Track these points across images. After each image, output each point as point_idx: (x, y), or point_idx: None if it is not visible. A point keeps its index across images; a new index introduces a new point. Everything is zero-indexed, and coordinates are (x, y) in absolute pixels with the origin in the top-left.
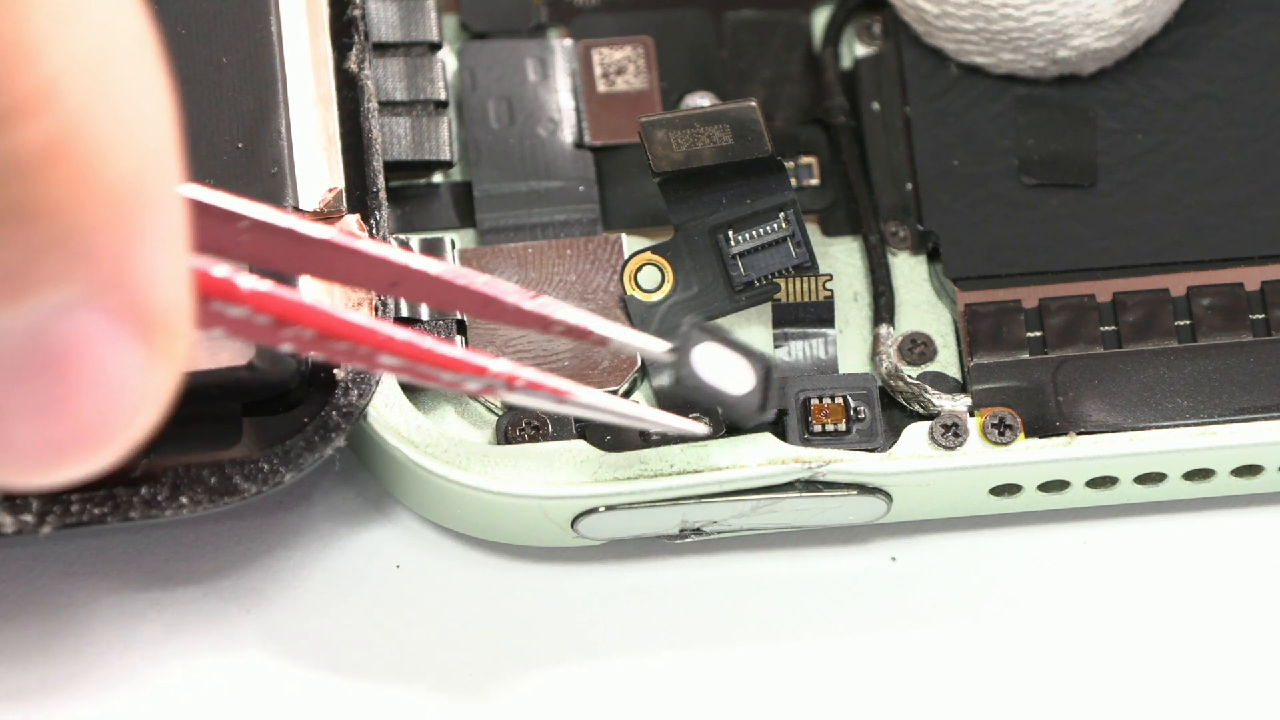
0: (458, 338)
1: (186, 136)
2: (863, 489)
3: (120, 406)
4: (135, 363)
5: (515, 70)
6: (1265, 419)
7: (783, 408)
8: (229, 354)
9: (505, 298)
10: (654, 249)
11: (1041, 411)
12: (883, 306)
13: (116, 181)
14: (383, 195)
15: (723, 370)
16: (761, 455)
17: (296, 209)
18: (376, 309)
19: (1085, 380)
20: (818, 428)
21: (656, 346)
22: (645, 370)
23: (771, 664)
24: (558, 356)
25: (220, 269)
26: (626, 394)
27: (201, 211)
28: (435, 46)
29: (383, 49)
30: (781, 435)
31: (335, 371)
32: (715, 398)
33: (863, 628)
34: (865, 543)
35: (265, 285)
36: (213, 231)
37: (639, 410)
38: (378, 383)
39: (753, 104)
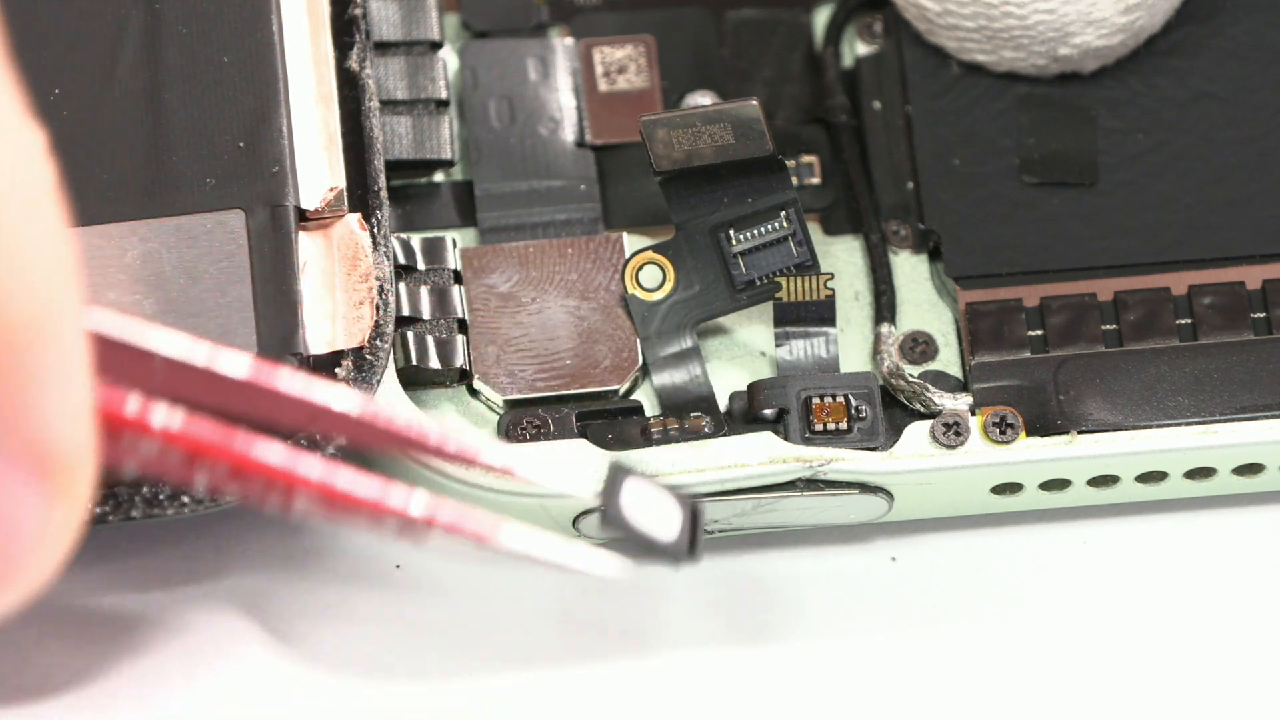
0: (460, 337)
1: (189, 135)
2: (864, 488)
3: (19, 549)
4: (34, 506)
5: (516, 69)
6: (1266, 418)
7: (784, 406)
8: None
9: (428, 437)
10: (655, 248)
11: (1043, 410)
12: (884, 305)
13: (13, 326)
14: (384, 194)
15: (650, 512)
16: (763, 454)
17: (298, 208)
18: (378, 308)
19: (1086, 379)
20: (819, 426)
21: (581, 489)
22: (647, 369)
23: (772, 663)
24: (559, 356)
25: (132, 404)
26: (628, 393)
27: (116, 345)
28: (436, 45)
29: (384, 48)
30: (783, 434)
31: (337, 371)
32: (642, 542)
33: (864, 626)
34: (866, 541)
35: (178, 420)
36: (128, 364)
37: (563, 553)
38: (379, 381)
39: (754, 103)
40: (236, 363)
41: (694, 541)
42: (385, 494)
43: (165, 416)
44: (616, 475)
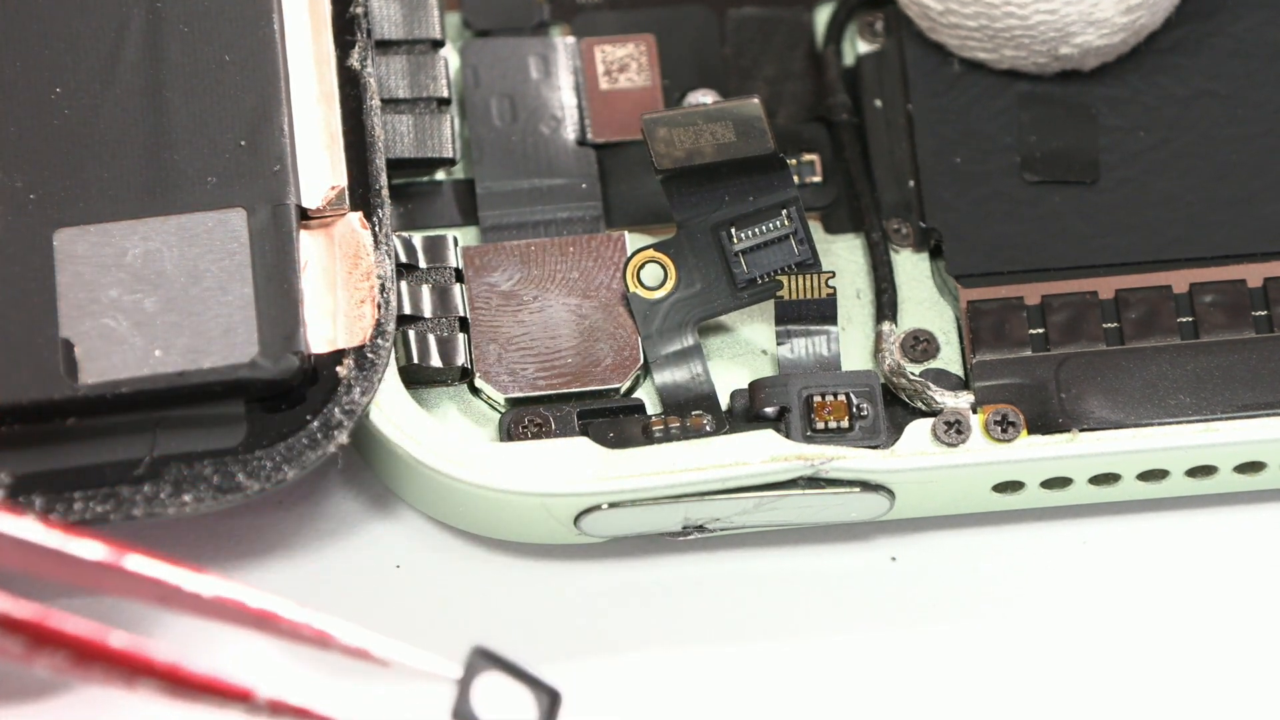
0: (461, 336)
1: (190, 133)
2: (865, 486)
3: None
4: None
5: (518, 68)
6: (1268, 415)
7: (785, 405)
8: (231, 351)
9: (281, 615)
10: (657, 246)
11: (1044, 408)
12: (885, 304)
13: None
14: (385, 193)
15: (507, 704)
16: (764, 452)
17: (300, 206)
18: (379, 306)
19: (1088, 377)
20: (820, 425)
21: (441, 671)
22: (648, 367)
23: (773, 661)
24: (560, 354)
25: None
26: (629, 391)
27: None
28: (438, 44)
29: (385, 46)
30: (784, 432)
31: (339, 369)
32: None
33: (865, 624)
34: (867, 540)
35: (20, 608)
36: None
37: None
38: (380, 380)
39: (755, 101)
40: (88, 548)
41: None
42: (232, 680)
43: (3, 603)
44: (475, 664)
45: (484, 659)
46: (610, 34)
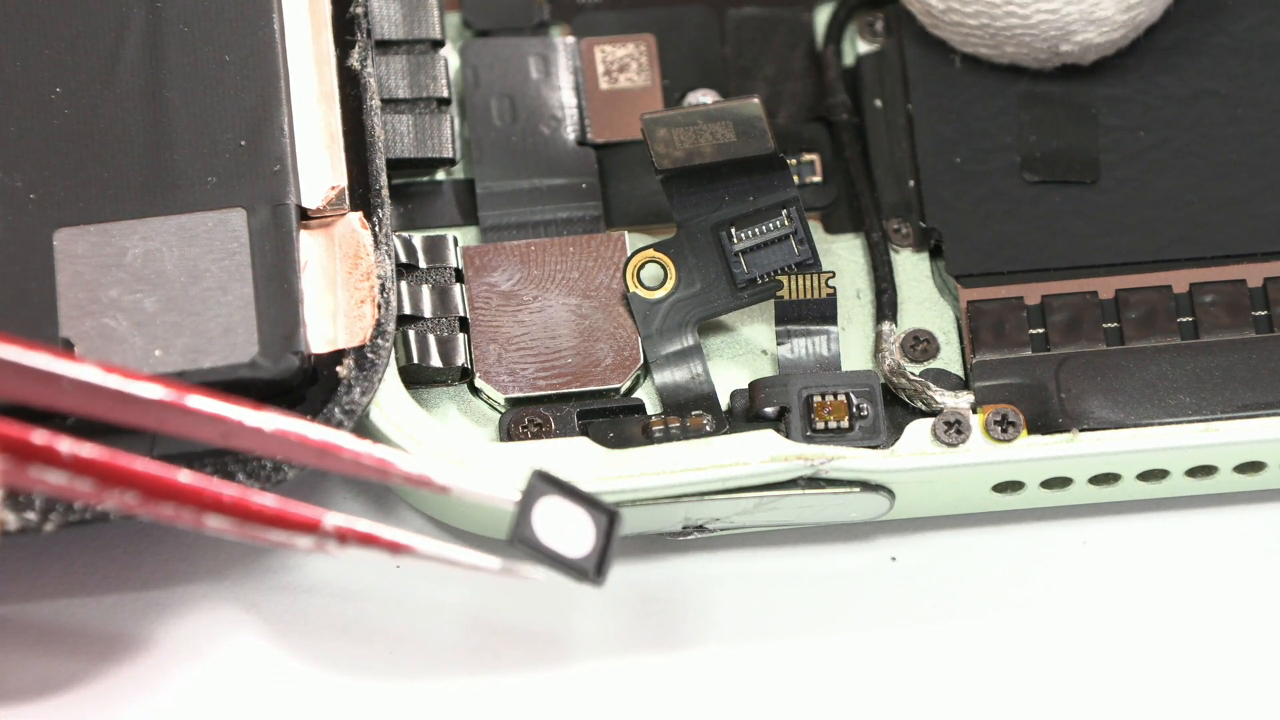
0: (461, 336)
1: (190, 133)
2: (865, 486)
3: None
4: None
5: (518, 68)
6: (1268, 415)
7: (786, 405)
8: (231, 351)
9: (343, 447)
10: (657, 246)
11: (1044, 408)
12: (885, 304)
13: None
14: (385, 193)
15: (563, 528)
16: (764, 452)
17: (300, 206)
18: (379, 306)
19: (1088, 377)
20: (820, 425)
21: (501, 495)
22: (648, 367)
23: (773, 661)
24: (560, 354)
25: (39, 434)
26: (629, 391)
27: (23, 372)
28: (438, 44)
29: (385, 46)
30: (785, 432)
31: (339, 369)
32: (550, 559)
33: (865, 624)
34: (866, 540)
35: (87, 449)
36: (37, 389)
37: (480, 559)
38: (380, 380)
39: (755, 101)
40: (149, 389)
41: (604, 559)
42: (299, 509)
43: (73, 445)
44: (535, 487)
45: (542, 481)
46: (610, 34)
